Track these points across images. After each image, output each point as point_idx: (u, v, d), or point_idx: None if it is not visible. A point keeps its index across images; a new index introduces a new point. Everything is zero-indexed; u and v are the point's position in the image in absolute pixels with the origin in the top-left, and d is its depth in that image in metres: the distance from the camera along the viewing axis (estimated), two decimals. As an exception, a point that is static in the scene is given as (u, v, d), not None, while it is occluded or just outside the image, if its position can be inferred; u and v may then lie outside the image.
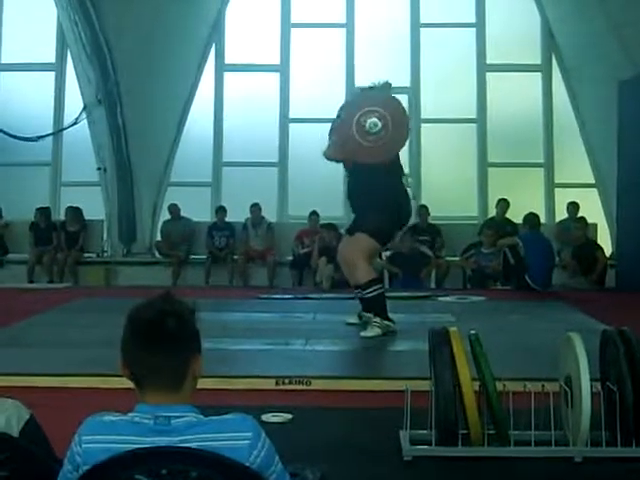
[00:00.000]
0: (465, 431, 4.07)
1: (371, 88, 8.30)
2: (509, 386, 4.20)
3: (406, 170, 15.02)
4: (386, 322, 7.92)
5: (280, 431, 4.20)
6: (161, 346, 2.41)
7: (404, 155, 15.13)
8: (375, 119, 7.79)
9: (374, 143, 7.83)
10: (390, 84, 8.35)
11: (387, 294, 10.86)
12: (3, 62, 16.05)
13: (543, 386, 4.19)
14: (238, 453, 2.35)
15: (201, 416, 2.42)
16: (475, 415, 4.03)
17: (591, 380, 4.00)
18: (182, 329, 2.44)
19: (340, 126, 8.03)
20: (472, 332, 4.28)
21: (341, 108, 8.49)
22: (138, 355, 2.43)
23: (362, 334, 7.86)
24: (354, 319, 8.34)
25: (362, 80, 15.38)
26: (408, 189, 8.28)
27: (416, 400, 4.12)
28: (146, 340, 2.42)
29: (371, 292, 7.99)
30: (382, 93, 8.15)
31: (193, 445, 2.32)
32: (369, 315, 8.02)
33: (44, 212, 14.85)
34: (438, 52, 15.82)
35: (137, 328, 2.43)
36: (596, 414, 4.02)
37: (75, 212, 14.85)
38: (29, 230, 14.77)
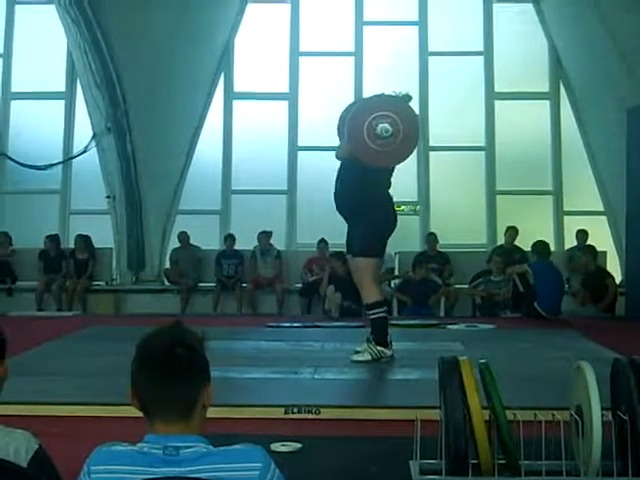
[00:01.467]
0: (475, 461, 4.04)
1: (390, 95, 8.29)
2: (519, 415, 4.17)
3: (414, 198, 15.33)
4: (379, 348, 7.86)
5: (289, 461, 4.18)
6: (171, 376, 2.40)
7: (413, 183, 15.34)
8: (387, 125, 7.78)
9: (381, 148, 7.81)
10: (411, 96, 8.36)
11: (396, 322, 10.92)
12: (14, 90, 16.13)
13: (553, 415, 4.16)
14: (248, 484, 2.34)
15: (210, 446, 2.41)
16: (485, 445, 4.00)
17: (602, 409, 3.97)
18: (192, 359, 2.43)
19: (351, 123, 8.01)
20: (482, 361, 4.26)
21: (353, 104, 8.45)
22: (147, 385, 2.42)
23: (352, 358, 7.87)
24: (362, 356, 8.05)
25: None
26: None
27: (426, 429, 4.09)
28: (155, 370, 2.41)
29: (376, 314, 7.98)
30: (398, 99, 8.15)
31: (202, 476, 2.31)
32: (381, 349, 7.93)
33: (54, 239, 14.88)
34: (446, 80, 15.88)
35: (146, 358, 2.42)
36: (607, 444, 3.99)
37: (84, 240, 14.88)
38: (39, 258, 14.79)
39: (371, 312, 8.01)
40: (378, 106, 8.03)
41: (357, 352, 7.96)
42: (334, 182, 8.19)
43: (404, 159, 8.09)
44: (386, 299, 8.23)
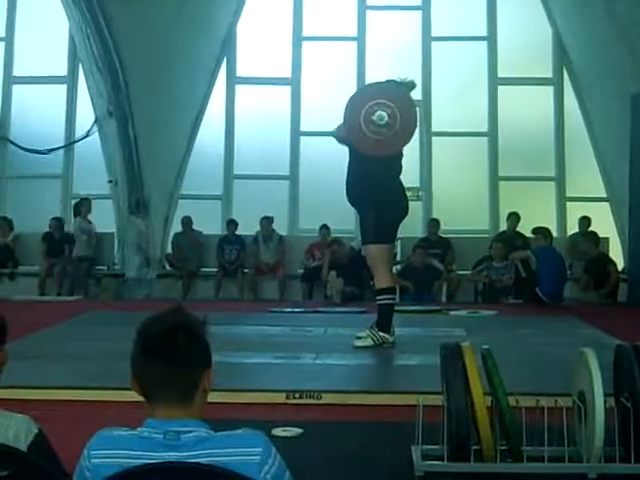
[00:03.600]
0: (477, 447, 4.04)
1: (394, 82, 8.27)
2: (521, 401, 4.16)
3: (417, 183, 15.31)
4: (382, 334, 7.89)
5: (290, 446, 4.16)
6: (171, 360, 2.39)
7: (415, 168, 15.32)
8: (384, 113, 7.78)
9: (377, 135, 7.81)
10: (415, 84, 8.34)
11: (398, 308, 10.91)
12: (15, 75, 16.10)
13: (556, 401, 4.15)
14: (248, 469, 2.32)
15: (211, 431, 2.40)
16: (487, 430, 3.99)
17: (604, 395, 3.97)
18: (193, 343, 2.42)
19: (350, 108, 8.02)
20: (484, 347, 4.25)
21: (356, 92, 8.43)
22: (148, 369, 2.41)
23: (355, 344, 7.91)
24: (363, 342, 8.08)
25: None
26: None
27: (428, 415, 4.08)
28: (156, 354, 2.40)
29: (384, 300, 8.01)
30: (400, 89, 8.13)
31: (203, 460, 2.30)
32: (383, 334, 7.95)
33: (59, 222, 14.88)
34: (450, 65, 15.83)
35: (147, 342, 2.41)
36: (610, 430, 3.98)
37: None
38: (42, 240, 14.79)
39: (380, 297, 8.04)
40: (378, 94, 8.03)
41: (359, 338, 7.97)
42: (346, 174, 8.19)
43: (400, 148, 8.07)
44: (395, 287, 8.21)
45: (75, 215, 14.83)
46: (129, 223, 14.50)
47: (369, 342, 7.86)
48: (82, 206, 14.71)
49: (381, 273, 8.08)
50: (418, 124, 8.18)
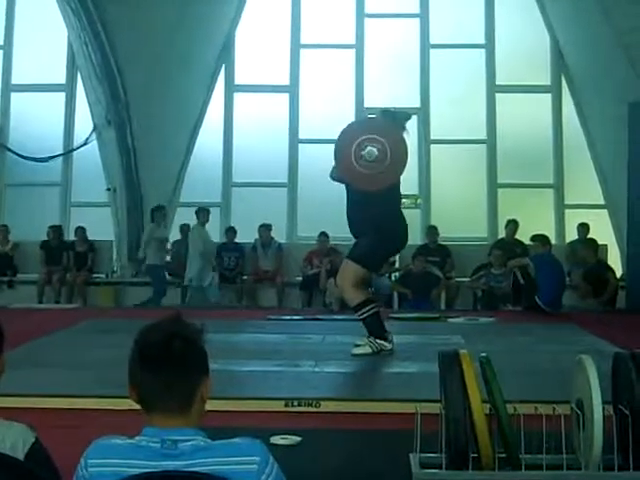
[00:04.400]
0: (476, 454, 4.03)
1: (390, 112, 8.31)
2: (520, 409, 4.15)
3: (415, 191, 15.32)
4: (379, 341, 7.90)
5: (289, 454, 4.17)
6: (169, 369, 2.39)
7: (414, 176, 15.32)
8: (373, 148, 7.82)
9: (368, 170, 7.84)
10: (410, 116, 8.39)
11: (397, 315, 10.91)
12: (14, 83, 16.12)
13: (554, 409, 4.15)
14: (246, 477, 2.32)
15: (209, 440, 2.40)
16: (486, 438, 3.99)
17: (603, 403, 3.96)
18: (190, 351, 2.42)
19: (341, 143, 8.05)
20: (483, 354, 4.25)
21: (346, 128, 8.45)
22: (146, 378, 2.41)
23: (353, 352, 7.90)
24: (363, 349, 8.09)
25: (372, 101, 15.46)
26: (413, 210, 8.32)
27: (426, 423, 4.08)
28: (154, 363, 2.40)
29: (363, 314, 7.98)
30: (389, 123, 8.17)
31: (200, 469, 2.30)
32: (381, 342, 7.98)
33: (57, 230, 14.88)
34: (448, 73, 15.86)
35: (145, 350, 2.41)
36: (608, 438, 3.97)
37: (84, 232, 14.88)
38: (40, 249, 14.80)
39: (362, 311, 8.02)
40: (368, 129, 8.09)
41: (357, 346, 7.96)
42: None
43: (390, 183, 8.07)
44: (369, 298, 8.25)
45: (152, 221, 14.68)
46: (194, 231, 14.40)
47: (367, 350, 7.86)
48: (157, 213, 14.54)
49: (352, 290, 8.03)
50: (409, 157, 8.18)
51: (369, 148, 7.83)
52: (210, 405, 2.52)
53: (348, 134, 8.14)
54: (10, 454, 2.44)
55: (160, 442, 2.34)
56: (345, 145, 7.97)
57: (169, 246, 15.22)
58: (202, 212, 14.34)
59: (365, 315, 7.97)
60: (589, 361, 4.10)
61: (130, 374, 2.44)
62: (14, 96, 16.14)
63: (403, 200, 14.80)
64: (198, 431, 2.40)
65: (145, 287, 14.85)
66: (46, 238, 14.85)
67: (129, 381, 2.44)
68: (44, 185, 15.96)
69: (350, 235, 14.10)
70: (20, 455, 2.47)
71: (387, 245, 8.17)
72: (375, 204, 7.89)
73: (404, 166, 8.16)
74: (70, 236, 15.21)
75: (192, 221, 15.02)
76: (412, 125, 15.45)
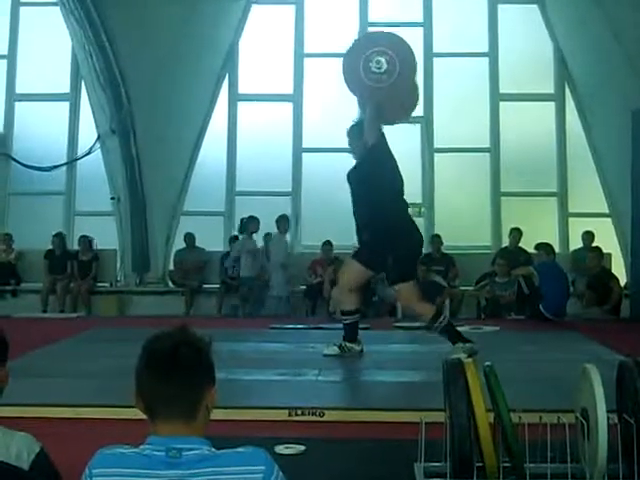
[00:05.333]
0: (480, 464, 4.02)
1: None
2: (524, 418, 4.15)
3: (419, 199, 15.32)
4: (349, 344, 8.30)
5: (293, 463, 4.16)
6: (176, 377, 2.39)
7: (417, 184, 15.33)
8: (382, 59, 7.81)
9: (375, 83, 7.84)
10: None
11: (400, 324, 10.91)
12: (18, 92, 16.15)
13: (559, 418, 4.14)
14: (251, 487, 2.32)
15: (213, 449, 2.39)
16: (490, 447, 3.98)
17: (608, 412, 3.95)
18: (197, 360, 2.43)
19: (349, 57, 8.12)
20: (487, 363, 4.24)
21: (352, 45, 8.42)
22: (152, 386, 2.41)
23: (324, 352, 8.30)
24: (333, 350, 8.39)
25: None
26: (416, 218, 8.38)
27: (430, 432, 4.07)
28: (161, 371, 2.40)
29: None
30: (399, 37, 8.21)
31: (204, 479, 2.30)
32: (350, 345, 8.32)
33: (60, 238, 14.87)
34: (451, 81, 15.86)
35: (152, 359, 2.41)
36: (613, 446, 3.96)
37: (88, 241, 14.88)
38: (44, 258, 14.80)
39: (348, 317, 8.39)
40: (375, 42, 8.08)
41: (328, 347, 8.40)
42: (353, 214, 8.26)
43: (401, 97, 8.08)
44: (359, 308, 8.55)
45: (241, 232, 14.54)
46: (274, 240, 14.35)
47: (336, 350, 8.27)
48: (249, 224, 14.32)
49: (420, 305, 8.21)
50: (417, 71, 8.20)
51: (377, 58, 7.81)
52: (213, 414, 2.52)
53: (355, 50, 8.12)
54: (15, 464, 2.44)
55: (165, 451, 2.34)
56: (353, 61, 7.96)
57: (172, 255, 15.26)
58: (251, 222, 14.25)
59: (351, 321, 8.39)
60: (594, 370, 4.09)
61: (137, 382, 2.44)
62: (18, 105, 16.17)
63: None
64: (203, 440, 2.40)
65: (149, 296, 14.86)
66: (50, 247, 14.85)
67: (135, 389, 2.44)
68: (48, 194, 15.97)
69: (352, 244, 14.18)
70: (25, 465, 2.47)
71: (412, 251, 8.24)
72: (385, 204, 7.93)
73: (413, 78, 8.15)
74: (74, 245, 15.20)
75: (196, 229, 15.06)
76: (415, 133, 15.63)
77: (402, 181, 8.24)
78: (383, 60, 7.79)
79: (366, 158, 8.07)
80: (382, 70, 7.79)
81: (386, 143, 8.18)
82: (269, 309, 14.13)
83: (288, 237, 14.60)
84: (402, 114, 8.58)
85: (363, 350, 8.35)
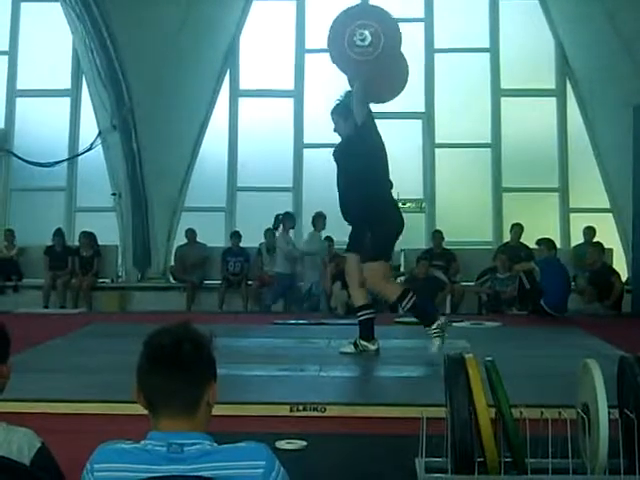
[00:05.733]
0: (481, 459, 4.02)
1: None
2: (525, 413, 4.15)
3: (420, 195, 15.32)
4: (364, 342, 8.16)
5: (294, 458, 4.17)
6: (177, 372, 2.39)
7: (418, 180, 15.34)
8: (366, 32, 7.78)
9: (360, 57, 7.82)
10: None
11: (401, 319, 10.91)
12: (19, 88, 16.15)
13: (560, 413, 4.14)
14: (252, 482, 2.32)
15: (215, 444, 2.39)
16: (491, 443, 3.98)
17: (609, 407, 3.95)
18: (198, 356, 2.42)
19: (333, 30, 8.05)
20: (488, 359, 4.24)
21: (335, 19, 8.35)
22: (153, 381, 2.41)
23: (340, 350, 8.24)
24: (349, 348, 8.32)
25: (376, 105, 15.46)
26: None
27: (432, 427, 4.07)
28: (162, 366, 2.40)
29: (362, 315, 8.21)
30: (383, 9, 8.21)
31: (206, 474, 2.30)
32: (365, 344, 8.21)
33: (60, 235, 14.86)
34: (452, 77, 15.86)
35: (153, 354, 2.41)
36: (614, 442, 3.96)
37: (88, 237, 14.87)
38: (45, 254, 14.80)
39: (360, 313, 8.27)
40: (358, 15, 8.05)
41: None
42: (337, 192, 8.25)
43: (392, 75, 8.09)
44: (370, 303, 8.47)
45: (275, 228, 14.47)
46: (313, 238, 14.32)
47: (352, 349, 8.17)
48: (286, 220, 14.29)
49: (386, 287, 8.23)
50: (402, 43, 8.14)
51: (360, 31, 7.78)
52: (215, 409, 2.52)
53: (337, 25, 8.07)
54: (16, 459, 2.44)
55: (166, 446, 2.34)
56: (337, 36, 7.93)
57: (173, 251, 15.27)
58: (287, 217, 14.29)
59: (365, 317, 8.24)
60: (595, 365, 4.09)
61: (138, 377, 2.44)
62: (19, 101, 16.17)
63: (408, 204, 14.97)
64: (204, 435, 2.40)
65: (150, 291, 14.87)
66: (51, 243, 14.85)
67: (137, 384, 2.44)
68: (49, 190, 15.98)
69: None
70: (26, 460, 2.47)
71: (392, 231, 8.21)
72: (371, 182, 7.94)
73: (399, 49, 8.11)
74: (75, 241, 15.20)
75: (197, 225, 15.06)
76: (417, 129, 15.62)
77: (387, 161, 8.23)
78: (367, 33, 7.76)
79: (354, 136, 8.06)
80: (366, 43, 7.76)
81: (374, 121, 8.19)
82: (301, 305, 14.10)
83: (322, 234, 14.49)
84: (391, 90, 8.56)
85: (379, 349, 8.21)
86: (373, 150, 8.10)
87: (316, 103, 15.79)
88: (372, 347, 8.17)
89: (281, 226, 14.20)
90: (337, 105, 8.31)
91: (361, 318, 8.25)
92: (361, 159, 8.01)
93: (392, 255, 8.56)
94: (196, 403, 2.42)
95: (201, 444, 2.37)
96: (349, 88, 8.29)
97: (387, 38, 7.83)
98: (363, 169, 7.97)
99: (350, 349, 8.17)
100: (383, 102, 8.58)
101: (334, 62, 8.12)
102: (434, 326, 8.03)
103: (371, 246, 8.06)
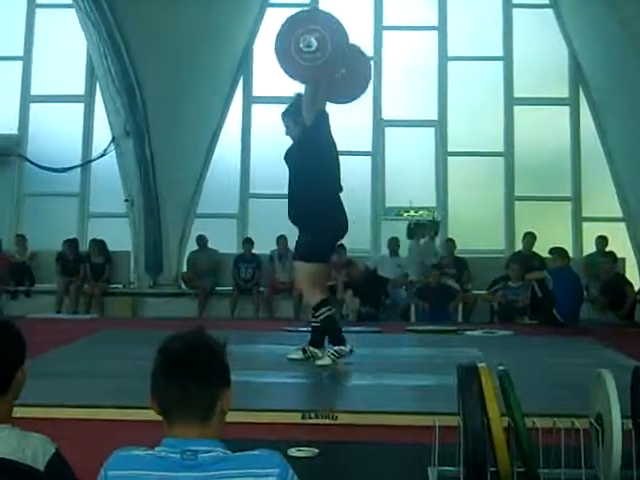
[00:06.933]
0: (494, 468, 4.01)
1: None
2: (538, 422, 4.14)
3: (433, 203, 15.30)
4: (335, 348, 7.84)
5: (306, 466, 4.16)
6: (191, 379, 2.39)
7: (431, 188, 15.32)
8: (311, 38, 7.76)
9: (309, 62, 7.81)
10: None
11: (414, 327, 10.90)
12: (33, 93, 16.21)
13: (573, 423, 4.13)
14: (266, 490, 2.32)
15: (228, 451, 2.39)
16: (504, 452, 3.97)
17: (622, 417, 3.94)
18: (213, 363, 2.43)
19: (279, 40, 8.04)
20: (501, 368, 4.23)
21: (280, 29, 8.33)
22: (167, 387, 2.41)
23: (317, 362, 7.85)
24: (297, 354, 8.13)
25: (389, 113, 15.49)
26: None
27: (444, 436, 4.07)
28: (175, 372, 2.40)
29: (321, 314, 7.91)
30: (327, 13, 8.21)
31: (219, 481, 2.30)
32: (315, 350, 7.99)
33: (72, 243, 14.90)
34: (466, 85, 15.85)
35: (168, 361, 2.42)
36: (627, 453, 3.95)
37: (98, 245, 14.89)
38: (56, 260, 14.83)
39: (316, 314, 7.96)
40: (302, 22, 8.06)
41: (318, 359, 7.94)
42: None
43: (349, 75, 8.10)
44: (327, 299, 8.13)
45: (410, 237, 14.52)
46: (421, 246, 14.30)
47: (327, 361, 7.82)
48: (420, 229, 14.38)
49: (311, 290, 8.01)
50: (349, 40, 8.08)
51: (304, 37, 7.76)
52: (227, 416, 2.52)
53: (282, 36, 8.05)
54: (30, 465, 2.44)
55: (180, 453, 2.35)
56: (283, 47, 7.92)
57: (185, 257, 15.29)
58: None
59: (324, 315, 7.88)
60: (608, 375, 4.08)
61: (152, 384, 2.44)
62: (33, 107, 16.23)
63: (421, 212, 14.98)
64: (218, 442, 2.40)
65: (162, 297, 14.88)
66: (62, 250, 14.87)
67: (151, 391, 2.44)
68: (62, 195, 16.02)
69: (366, 247, 14.20)
70: (40, 466, 2.47)
71: (330, 232, 8.10)
72: (315, 187, 7.93)
73: (347, 44, 8.05)
74: (87, 247, 15.21)
75: (209, 231, 15.07)
76: (429, 137, 15.61)
77: (339, 165, 8.20)
78: (312, 38, 7.75)
79: (304, 139, 8.08)
80: (313, 48, 7.75)
81: (327, 124, 8.20)
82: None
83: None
84: (352, 89, 8.56)
85: (353, 349, 7.93)
86: (322, 152, 8.10)
87: (329, 110, 15.77)
88: (346, 349, 7.83)
89: None
90: (287, 108, 8.36)
91: (322, 317, 7.92)
92: (309, 160, 8.04)
93: (329, 258, 8.37)
94: (210, 410, 2.42)
95: (215, 451, 2.37)
96: (299, 90, 8.28)
97: (334, 40, 7.81)
98: (310, 170, 7.98)
99: (325, 362, 7.81)
100: (345, 102, 8.58)
101: (284, 71, 8.07)
102: (337, 347, 7.81)
103: (305, 246, 7.99)
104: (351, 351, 7.91)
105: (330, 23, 8.00)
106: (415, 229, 14.39)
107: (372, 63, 8.70)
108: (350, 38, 8.08)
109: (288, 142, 8.77)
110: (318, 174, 7.93)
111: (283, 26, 8.26)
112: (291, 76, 8.08)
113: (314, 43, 7.71)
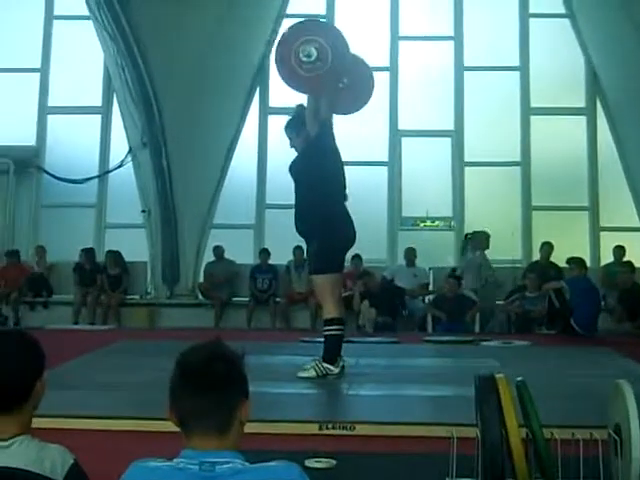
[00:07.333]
0: (512, 479, 4.00)
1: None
2: (556, 433, 4.13)
3: (449, 213, 15.29)
4: (325, 365, 7.75)
5: (324, 477, 4.16)
6: (210, 390, 2.39)
7: (448, 198, 15.31)
8: (311, 48, 7.74)
9: (309, 73, 7.79)
10: None
11: (430, 338, 10.87)
12: (50, 105, 16.28)
13: (591, 434, 4.11)
14: (284, 501, 2.32)
15: (246, 463, 2.39)
16: (522, 463, 3.95)
17: (641, 429, 3.92)
18: (231, 374, 2.43)
19: (280, 50, 8.00)
20: (519, 379, 4.22)
21: (280, 40, 8.32)
22: (186, 399, 2.41)
23: (298, 374, 7.78)
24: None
25: (406, 123, 15.50)
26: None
27: (462, 447, 4.06)
28: (195, 384, 2.40)
29: (327, 331, 7.88)
30: (326, 23, 8.17)
31: (237, 493, 2.30)
32: (329, 367, 7.82)
33: (89, 253, 14.95)
34: (482, 95, 15.85)
35: (186, 372, 2.42)
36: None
37: (114, 256, 14.93)
38: (73, 271, 14.88)
39: (326, 328, 7.92)
40: (301, 32, 7.99)
41: (304, 369, 7.85)
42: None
43: (336, 80, 8.06)
44: (342, 318, 8.02)
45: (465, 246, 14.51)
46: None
47: (312, 373, 7.74)
48: (475, 239, 14.28)
49: (329, 303, 7.95)
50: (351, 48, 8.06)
51: (303, 47, 7.73)
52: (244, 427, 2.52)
53: (283, 45, 8.02)
54: (49, 476, 2.45)
55: (198, 464, 2.34)
56: (283, 59, 7.89)
57: (202, 268, 15.32)
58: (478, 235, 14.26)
59: (330, 333, 7.83)
60: (627, 386, 4.06)
61: (170, 395, 2.44)
62: (50, 118, 16.31)
63: (437, 222, 14.98)
64: (236, 454, 2.39)
65: (179, 308, 14.91)
66: (79, 261, 14.93)
67: (169, 402, 2.44)
68: (79, 207, 16.08)
69: (383, 257, 14.18)
70: (59, 477, 2.48)
71: (336, 243, 8.01)
72: (321, 193, 7.87)
73: (349, 52, 8.03)
74: (104, 258, 15.26)
75: (226, 242, 15.10)
76: (446, 147, 15.61)
77: (344, 174, 8.18)
78: (312, 48, 7.73)
79: (308, 150, 8.04)
80: (313, 58, 7.74)
81: (331, 135, 8.20)
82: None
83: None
84: (355, 99, 8.55)
85: (342, 372, 7.83)
86: (327, 162, 8.06)
87: (344, 121, 15.79)
88: (335, 370, 7.74)
89: None
90: (290, 120, 8.33)
91: (327, 333, 7.89)
92: (314, 171, 7.98)
93: (340, 268, 8.34)
94: (228, 421, 2.42)
95: (233, 463, 2.37)
96: (301, 102, 8.28)
97: (334, 49, 7.81)
98: (316, 181, 7.92)
99: (308, 374, 7.71)
100: (349, 113, 8.58)
101: (286, 83, 8.07)
102: (327, 365, 7.71)
103: (316, 258, 7.98)
104: (343, 367, 7.84)
105: (329, 32, 8.01)
106: (469, 240, 14.27)
107: (374, 74, 8.65)
108: (350, 47, 8.07)
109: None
110: (323, 185, 7.92)
111: (282, 38, 8.26)
112: (293, 87, 8.06)
113: (314, 53, 7.71)
